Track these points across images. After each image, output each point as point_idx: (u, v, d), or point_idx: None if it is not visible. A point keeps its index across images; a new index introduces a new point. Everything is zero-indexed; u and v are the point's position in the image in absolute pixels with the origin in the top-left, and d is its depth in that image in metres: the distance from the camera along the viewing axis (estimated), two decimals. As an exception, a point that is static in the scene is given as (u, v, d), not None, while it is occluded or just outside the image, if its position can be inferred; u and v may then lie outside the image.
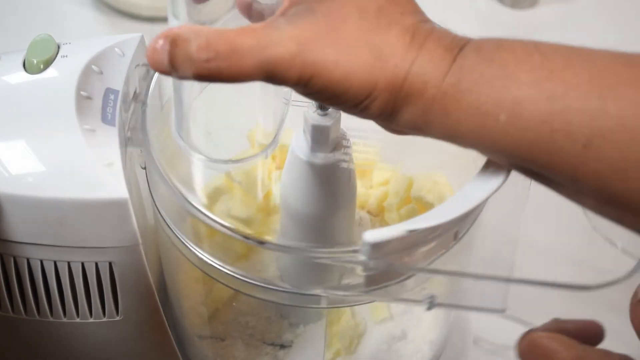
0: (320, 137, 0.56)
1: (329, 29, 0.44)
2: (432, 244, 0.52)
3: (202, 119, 0.59)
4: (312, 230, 0.59)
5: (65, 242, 0.60)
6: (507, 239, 0.55)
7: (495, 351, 0.80)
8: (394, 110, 0.46)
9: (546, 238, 0.81)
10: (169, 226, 0.60)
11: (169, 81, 0.60)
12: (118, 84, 0.62)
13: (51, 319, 0.64)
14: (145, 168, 0.61)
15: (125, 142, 0.60)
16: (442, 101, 0.44)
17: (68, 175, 0.58)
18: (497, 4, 1.11)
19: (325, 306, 0.59)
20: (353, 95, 0.45)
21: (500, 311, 0.51)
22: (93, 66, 0.62)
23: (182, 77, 0.44)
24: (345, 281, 0.57)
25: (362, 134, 0.58)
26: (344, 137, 0.57)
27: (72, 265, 0.61)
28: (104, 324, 0.65)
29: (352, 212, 0.62)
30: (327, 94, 0.45)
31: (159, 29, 1.04)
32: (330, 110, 0.55)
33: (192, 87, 0.55)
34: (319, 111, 0.55)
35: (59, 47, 0.63)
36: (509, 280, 0.50)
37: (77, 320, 0.65)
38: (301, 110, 0.57)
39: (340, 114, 0.56)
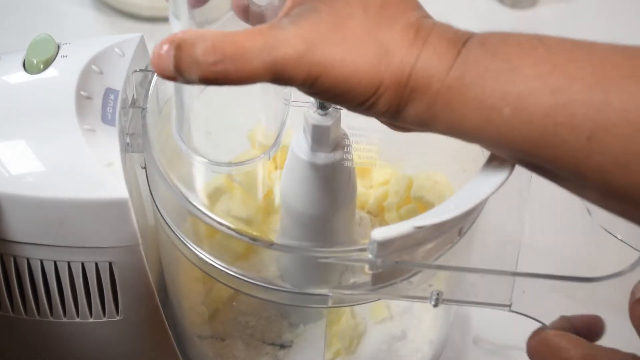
0: (321, 137, 0.56)
1: (334, 27, 0.44)
2: (438, 241, 0.52)
3: (202, 120, 0.59)
4: (313, 230, 0.59)
5: (65, 242, 0.60)
6: (511, 234, 0.55)
7: (495, 351, 0.80)
8: (399, 106, 0.46)
9: (546, 237, 0.81)
10: (169, 226, 0.60)
11: (167, 84, 0.61)
12: (118, 84, 0.62)
13: (51, 318, 0.65)
14: (145, 168, 0.61)
15: (125, 148, 0.60)
16: (447, 95, 0.44)
17: (68, 175, 0.58)
18: (497, 4, 1.11)
19: (325, 306, 0.59)
20: (360, 92, 0.45)
21: (506, 306, 0.51)
22: (93, 66, 0.62)
23: (189, 82, 0.44)
24: (352, 280, 0.57)
25: (362, 133, 0.58)
26: (344, 136, 0.57)
27: (72, 265, 0.61)
28: (104, 324, 0.65)
29: (353, 211, 0.62)
30: (334, 92, 0.45)
31: (159, 29, 1.05)
32: (331, 110, 0.55)
33: (192, 89, 0.55)
34: (319, 111, 0.55)
35: (59, 47, 0.63)
36: (514, 274, 0.50)
37: (77, 320, 0.65)
38: (301, 110, 0.57)
39: (341, 114, 0.56)
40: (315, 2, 0.45)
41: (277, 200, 0.64)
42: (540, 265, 0.52)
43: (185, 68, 0.43)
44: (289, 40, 0.43)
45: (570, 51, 0.44)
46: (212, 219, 0.56)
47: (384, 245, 0.48)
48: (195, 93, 0.56)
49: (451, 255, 0.55)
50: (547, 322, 0.53)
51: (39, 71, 0.61)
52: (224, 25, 0.55)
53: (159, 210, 0.60)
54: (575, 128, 0.43)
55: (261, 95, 0.57)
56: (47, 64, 0.61)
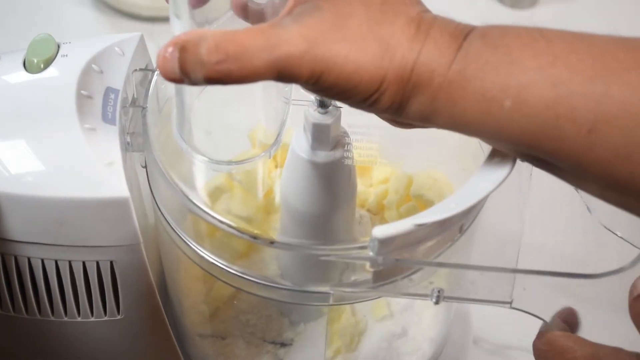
0: (321, 135, 0.56)
1: (336, 25, 0.44)
2: (439, 238, 0.52)
3: (203, 120, 0.59)
4: (313, 228, 0.60)
5: (66, 241, 0.60)
6: (511, 231, 0.55)
7: (495, 351, 0.81)
8: (402, 101, 0.46)
9: (546, 234, 0.81)
10: (169, 224, 0.60)
11: (167, 84, 0.61)
12: (118, 83, 0.62)
13: (52, 318, 0.65)
14: (145, 167, 0.61)
15: (125, 147, 0.60)
16: (448, 89, 0.45)
17: (69, 175, 0.58)
18: (497, 4, 1.11)
19: (326, 304, 0.59)
20: (363, 89, 0.45)
21: (507, 303, 0.51)
22: (93, 65, 0.62)
23: (194, 83, 0.44)
24: (353, 278, 0.57)
25: (362, 132, 0.58)
26: (344, 135, 0.57)
27: (73, 264, 0.61)
28: (105, 323, 0.65)
29: (353, 210, 0.62)
30: (338, 89, 0.45)
31: (158, 28, 1.05)
32: (331, 108, 0.55)
33: (193, 88, 0.55)
34: (319, 109, 0.55)
35: (59, 47, 0.63)
36: (514, 271, 0.50)
37: (78, 319, 0.65)
38: (301, 109, 0.57)
39: (341, 112, 0.56)
40: (317, 1, 0.45)
41: (278, 199, 0.64)
42: (540, 263, 0.52)
43: (190, 69, 0.43)
44: (291, 39, 0.44)
45: (571, 43, 0.44)
46: (213, 217, 0.56)
47: (384, 242, 0.48)
48: (195, 93, 0.57)
49: (452, 252, 0.55)
50: (548, 320, 0.53)
51: (39, 70, 0.61)
52: (224, 25, 0.55)
53: (159, 209, 0.60)
54: (576, 120, 0.43)
55: (262, 94, 0.57)
56: (48, 63, 0.61)
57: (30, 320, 0.65)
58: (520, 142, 0.45)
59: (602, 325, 0.51)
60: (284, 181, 0.60)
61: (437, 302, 0.52)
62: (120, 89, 0.62)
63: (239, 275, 0.58)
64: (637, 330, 0.48)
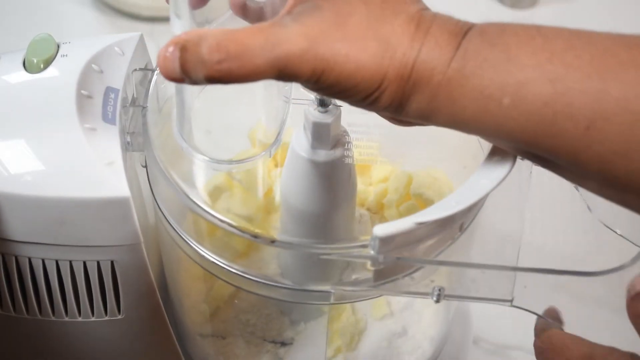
0: (321, 134, 0.56)
1: (337, 24, 0.45)
2: (439, 237, 0.52)
3: (203, 119, 0.59)
4: (313, 227, 0.60)
5: (67, 241, 0.60)
6: (512, 229, 0.55)
7: (495, 351, 0.81)
8: (402, 100, 0.46)
9: (546, 232, 0.81)
10: (170, 224, 0.60)
11: (167, 83, 0.61)
12: (118, 83, 0.63)
13: (53, 318, 0.65)
14: (145, 166, 0.61)
15: (125, 147, 0.60)
16: (448, 87, 0.45)
17: (69, 174, 0.58)
18: (497, 4, 1.11)
19: (326, 302, 0.59)
20: (364, 87, 0.45)
21: (507, 301, 0.51)
22: (93, 65, 0.62)
23: (195, 82, 0.44)
24: (354, 276, 0.57)
25: (362, 130, 0.58)
26: (344, 134, 0.58)
27: (73, 264, 0.61)
28: (105, 323, 0.65)
29: (353, 209, 0.62)
30: (339, 88, 0.45)
31: (158, 28, 1.05)
32: (331, 107, 0.55)
33: (193, 88, 0.55)
34: (319, 108, 0.55)
35: (58, 47, 0.63)
36: (515, 269, 0.50)
37: (79, 319, 0.65)
38: (301, 108, 0.57)
39: (341, 111, 0.56)
40: (317, 0, 0.45)
41: (278, 198, 0.64)
42: (540, 261, 0.52)
43: (191, 68, 0.43)
44: (292, 38, 0.44)
45: (568, 40, 0.44)
46: (213, 216, 0.56)
47: (385, 241, 0.48)
48: (195, 92, 0.57)
49: (452, 251, 0.55)
50: (547, 319, 0.53)
51: (39, 70, 0.61)
52: (223, 24, 0.55)
53: (160, 209, 0.60)
54: (574, 117, 0.43)
55: (263, 94, 0.57)
56: (47, 63, 0.62)
57: (31, 320, 0.65)
58: (518, 140, 0.45)
59: (602, 323, 0.51)
60: (284, 180, 0.60)
61: (437, 301, 0.53)
62: (120, 89, 0.62)
63: (239, 274, 0.58)
64: (635, 329, 0.48)
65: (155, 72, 0.62)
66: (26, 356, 0.69)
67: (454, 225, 0.53)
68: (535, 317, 0.54)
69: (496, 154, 0.51)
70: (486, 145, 0.52)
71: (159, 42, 0.98)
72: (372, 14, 0.45)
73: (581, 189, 0.49)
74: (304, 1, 0.46)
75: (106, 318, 0.65)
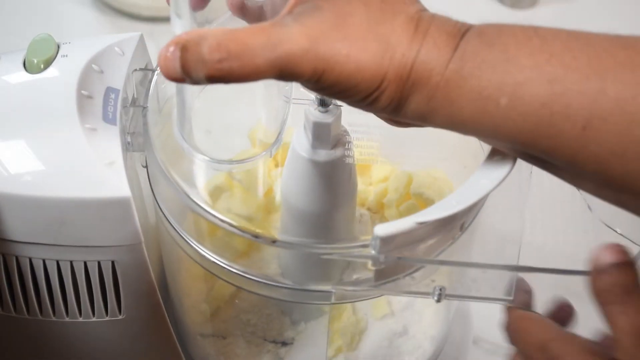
0: (322, 134, 0.56)
1: (337, 24, 0.45)
2: (440, 236, 0.52)
3: (203, 119, 0.59)
4: (313, 227, 0.60)
5: (68, 242, 0.60)
6: (512, 229, 0.55)
7: (495, 351, 0.81)
8: (400, 100, 0.46)
9: (546, 232, 0.81)
10: (170, 224, 0.60)
11: (168, 83, 0.61)
12: (118, 83, 0.63)
13: (54, 318, 0.65)
14: (146, 166, 0.61)
15: (126, 147, 0.60)
16: (446, 88, 0.45)
17: (70, 175, 0.59)
18: (497, 4, 1.12)
19: (327, 302, 0.59)
20: (364, 87, 0.45)
21: (508, 301, 0.51)
22: (93, 65, 0.62)
23: (195, 82, 0.44)
24: (354, 276, 0.57)
25: (363, 130, 0.58)
26: (345, 133, 0.58)
27: (74, 264, 0.61)
28: (106, 323, 0.65)
29: (353, 208, 0.62)
30: (339, 87, 0.45)
31: (158, 28, 1.05)
32: (331, 107, 0.56)
33: (193, 88, 0.55)
34: (320, 108, 0.55)
35: (58, 47, 0.63)
36: (516, 268, 0.50)
37: (80, 319, 0.65)
38: (301, 108, 0.57)
39: (341, 111, 0.56)
40: (317, 1, 0.45)
41: (278, 198, 0.64)
42: (541, 261, 0.52)
43: (192, 68, 0.43)
44: (292, 37, 0.44)
45: (566, 41, 0.44)
46: (214, 216, 0.56)
47: (386, 241, 0.48)
48: (196, 92, 0.57)
49: (452, 251, 0.55)
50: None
51: (40, 71, 0.61)
52: (223, 24, 0.55)
53: (160, 209, 0.60)
54: (571, 117, 0.43)
55: (263, 94, 0.57)
56: (48, 63, 0.62)
57: (32, 320, 0.65)
58: (516, 141, 0.45)
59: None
60: (285, 180, 0.60)
61: (438, 300, 0.53)
62: (120, 89, 0.62)
63: (239, 274, 0.58)
64: (598, 309, 0.47)
65: (156, 72, 0.62)
66: (27, 356, 0.69)
67: (455, 225, 0.53)
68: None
69: (496, 153, 0.51)
70: (486, 145, 0.52)
71: (159, 42, 0.97)
72: (372, 15, 0.45)
73: (581, 189, 0.49)
74: (304, 1, 0.46)
75: (107, 318, 0.65)
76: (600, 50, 0.43)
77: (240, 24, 0.54)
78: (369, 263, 0.50)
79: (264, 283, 0.58)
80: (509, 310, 0.51)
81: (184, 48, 0.43)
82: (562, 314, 0.53)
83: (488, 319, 0.78)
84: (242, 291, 0.66)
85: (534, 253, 0.57)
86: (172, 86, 0.59)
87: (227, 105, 0.61)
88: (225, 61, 0.43)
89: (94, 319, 0.65)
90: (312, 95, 0.55)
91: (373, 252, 0.49)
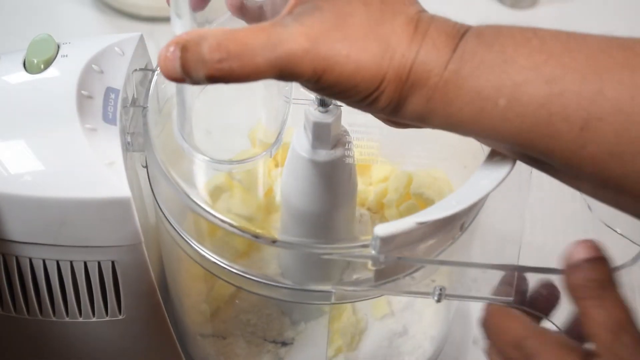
0: (322, 134, 0.56)
1: (337, 24, 0.45)
2: (440, 236, 0.52)
3: (203, 119, 0.59)
4: (314, 227, 0.60)
5: (68, 242, 0.60)
6: (512, 229, 0.55)
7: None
8: (399, 101, 0.46)
9: (547, 232, 0.81)
10: (170, 224, 0.60)
11: (168, 83, 0.61)
12: (118, 83, 0.63)
13: (54, 318, 0.65)
14: (146, 167, 0.61)
15: (126, 147, 0.60)
16: (444, 89, 0.45)
17: (70, 175, 0.59)
18: (497, 4, 1.11)
19: (327, 302, 0.59)
20: (363, 88, 0.45)
21: (509, 301, 0.51)
22: (93, 65, 0.62)
23: (195, 82, 0.44)
24: (354, 276, 0.57)
25: (363, 130, 0.58)
26: (345, 133, 0.58)
27: (74, 264, 0.61)
28: (106, 323, 0.65)
29: (353, 208, 0.62)
30: (339, 88, 0.45)
31: (158, 28, 1.05)
32: (332, 107, 0.56)
33: (193, 88, 0.55)
34: (320, 108, 0.55)
35: (58, 47, 0.63)
36: (517, 268, 0.50)
37: (80, 319, 0.65)
38: (301, 108, 0.57)
39: (341, 111, 0.56)
40: (317, 1, 0.45)
41: (278, 198, 0.64)
42: (540, 261, 0.52)
43: (192, 68, 0.43)
44: (292, 37, 0.44)
45: (565, 42, 0.44)
46: (214, 216, 0.56)
47: (386, 241, 0.48)
48: (196, 92, 0.57)
49: (452, 251, 0.55)
50: (549, 317, 0.53)
51: (40, 71, 0.61)
52: (223, 24, 0.55)
53: (160, 209, 0.60)
54: (569, 118, 0.43)
55: (263, 94, 0.57)
56: (48, 63, 0.62)
57: (32, 320, 0.65)
58: (514, 141, 0.45)
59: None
60: (285, 180, 0.60)
61: (439, 300, 0.53)
62: (120, 89, 0.62)
63: (239, 274, 0.58)
64: (574, 305, 0.47)
65: (156, 72, 0.62)
66: (27, 356, 0.69)
67: (455, 225, 0.53)
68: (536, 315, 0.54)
69: (497, 154, 0.51)
70: (486, 146, 0.52)
71: (159, 42, 0.97)
72: (372, 15, 0.45)
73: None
74: (304, 2, 0.46)
75: (107, 318, 0.65)
76: (598, 51, 0.43)
77: (240, 24, 0.54)
78: (369, 263, 0.50)
79: (264, 283, 0.58)
80: (486, 305, 0.51)
81: (184, 48, 0.43)
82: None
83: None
84: (242, 291, 0.66)
85: (534, 253, 0.57)
86: (172, 86, 0.59)
87: (227, 106, 0.61)
88: (225, 61, 0.43)
89: (94, 319, 0.65)
90: (312, 96, 0.55)
91: (373, 252, 0.49)
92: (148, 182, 0.62)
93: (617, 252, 0.52)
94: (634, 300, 0.52)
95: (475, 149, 0.57)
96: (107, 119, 0.60)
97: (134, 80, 0.63)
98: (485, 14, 1.08)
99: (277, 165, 0.67)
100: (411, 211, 0.64)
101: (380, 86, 0.45)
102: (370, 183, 0.69)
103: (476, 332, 0.79)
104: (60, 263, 0.61)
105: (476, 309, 0.78)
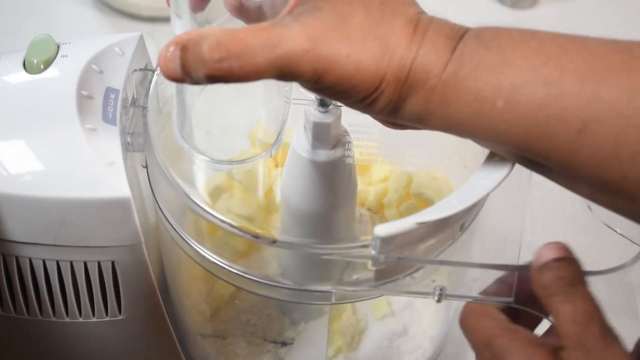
0: (322, 134, 0.56)
1: (337, 24, 0.45)
2: (440, 236, 0.52)
3: (203, 119, 0.59)
4: (313, 227, 0.60)
5: (68, 242, 0.60)
6: (512, 229, 0.55)
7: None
8: (398, 102, 0.46)
9: (547, 232, 0.81)
10: (170, 224, 0.60)
11: (167, 83, 0.61)
12: (118, 83, 0.63)
13: (54, 318, 0.65)
14: (146, 167, 0.61)
15: (126, 147, 0.60)
16: (443, 90, 0.45)
17: (70, 175, 0.59)
18: (497, 4, 1.11)
19: (327, 302, 0.59)
20: (363, 88, 0.45)
21: (509, 301, 0.51)
22: (93, 65, 0.62)
23: (195, 82, 0.44)
24: (355, 276, 0.57)
25: (363, 130, 0.58)
26: (345, 133, 0.58)
27: (74, 264, 0.61)
28: (106, 323, 0.65)
29: (353, 208, 0.62)
30: (339, 88, 0.45)
31: (158, 28, 1.05)
32: (331, 107, 0.56)
33: (193, 88, 0.55)
34: (320, 108, 0.55)
35: (58, 47, 0.63)
36: (517, 268, 0.50)
37: (80, 319, 0.65)
38: (301, 108, 0.57)
39: (341, 111, 0.56)
40: (317, 2, 0.45)
41: (278, 198, 0.64)
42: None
43: (191, 68, 0.43)
44: (293, 37, 0.44)
45: (563, 44, 0.44)
46: (214, 216, 0.56)
47: (386, 241, 0.48)
48: (196, 92, 0.57)
49: (452, 251, 0.55)
50: (549, 317, 0.53)
51: (40, 71, 0.61)
52: (223, 24, 0.55)
53: (160, 209, 0.60)
54: (567, 120, 0.43)
55: (264, 94, 0.57)
56: (48, 63, 0.62)
57: (32, 320, 0.65)
58: (511, 143, 0.45)
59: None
60: (285, 180, 0.60)
61: (439, 300, 0.53)
62: (120, 89, 0.62)
63: (239, 275, 0.58)
64: (541, 300, 0.48)
65: (156, 73, 0.62)
66: (27, 356, 0.69)
67: (455, 225, 0.53)
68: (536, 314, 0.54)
69: (496, 154, 0.51)
70: (486, 146, 0.52)
71: (159, 42, 0.97)
72: (372, 16, 0.45)
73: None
74: (304, 2, 0.46)
75: (107, 318, 0.65)
76: (596, 53, 0.44)
77: (240, 24, 0.54)
78: (369, 263, 0.50)
79: (264, 283, 0.58)
80: (464, 305, 0.51)
81: (184, 48, 0.43)
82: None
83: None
84: (242, 291, 0.66)
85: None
86: (172, 86, 0.59)
87: (227, 106, 0.61)
88: (225, 60, 0.43)
89: (94, 319, 0.65)
90: (312, 96, 0.55)
91: (373, 252, 0.49)
92: (148, 182, 0.62)
93: (617, 252, 0.52)
94: (634, 300, 0.52)
95: (475, 149, 0.57)
96: (107, 119, 0.60)
97: (133, 81, 0.63)
98: (485, 14, 1.08)
99: (277, 165, 0.67)
100: (411, 211, 0.64)
101: (379, 87, 0.45)
102: (370, 183, 0.69)
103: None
104: (60, 263, 0.61)
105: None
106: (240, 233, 0.55)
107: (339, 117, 0.56)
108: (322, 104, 0.55)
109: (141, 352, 0.69)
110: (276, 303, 0.69)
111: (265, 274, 0.58)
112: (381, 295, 0.64)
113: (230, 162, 0.59)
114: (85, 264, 0.61)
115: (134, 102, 0.63)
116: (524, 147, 0.45)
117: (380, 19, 0.45)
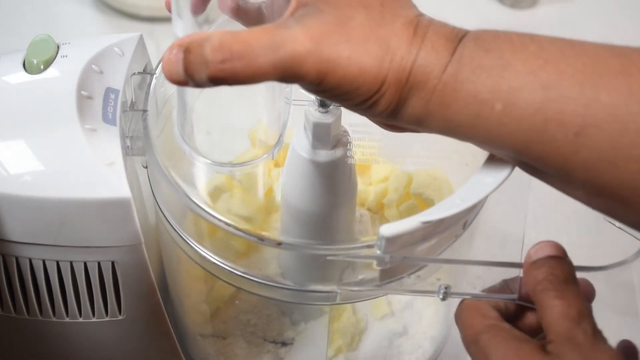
0: (322, 135, 0.56)
1: (339, 26, 0.45)
2: (444, 235, 0.52)
3: (203, 121, 0.59)
4: (314, 227, 0.60)
5: (68, 242, 0.60)
6: (514, 226, 0.56)
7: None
8: (398, 104, 0.46)
9: (549, 228, 0.81)
10: (170, 224, 0.60)
11: (167, 86, 0.61)
12: (118, 84, 0.63)
13: (54, 319, 0.65)
14: (146, 167, 0.61)
15: (125, 151, 0.60)
16: (442, 92, 0.45)
17: (70, 175, 0.59)
18: (497, 4, 1.11)
19: (327, 303, 0.59)
20: (365, 90, 0.45)
21: (513, 298, 0.51)
22: (93, 66, 0.62)
23: (198, 85, 0.44)
24: (360, 276, 0.57)
25: (363, 130, 0.58)
26: (345, 134, 0.58)
27: (74, 265, 0.62)
28: (106, 324, 0.65)
29: (353, 208, 0.62)
30: (341, 90, 0.45)
31: (158, 28, 1.05)
32: (332, 107, 0.56)
33: (194, 89, 0.55)
34: (320, 109, 0.55)
35: (58, 47, 0.63)
36: (522, 265, 0.50)
37: (80, 320, 0.65)
38: (302, 109, 0.57)
39: (341, 111, 0.56)
40: (319, 4, 0.45)
41: (278, 198, 0.64)
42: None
43: (195, 70, 0.43)
44: (296, 39, 0.44)
45: (562, 48, 0.44)
46: (214, 217, 0.56)
47: (391, 241, 0.48)
48: (196, 93, 0.57)
49: (455, 248, 0.55)
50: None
51: (39, 71, 0.61)
52: (223, 25, 0.55)
53: (160, 209, 0.60)
54: (564, 123, 0.43)
55: (264, 96, 0.57)
56: (47, 64, 0.62)
57: (32, 321, 0.65)
58: (508, 146, 0.45)
59: (604, 320, 0.50)
60: (285, 180, 0.60)
61: (444, 299, 0.53)
62: (120, 90, 0.62)
63: (239, 275, 0.58)
64: (532, 297, 0.48)
65: (155, 76, 0.62)
66: (27, 356, 0.69)
67: (458, 223, 0.54)
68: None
69: (497, 153, 0.51)
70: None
71: (159, 43, 0.98)
72: (372, 17, 0.45)
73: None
74: (306, 5, 0.46)
75: (107, 319, 0.65)
76: (595, 58, 0.44)
77: (239, 26, 0.54)
78: (374, 263, 0.50)
79: (264, 284, 0.58)
80: (460, 301, 0.52)
81: (187, 50, 0.43)
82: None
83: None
84: (242, 292, 0.66)
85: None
86: (171, 88, 0.59)
87: (227, 106, 0.61)
88: (228, 61, 0.43)
89: (94, 320, 0.65)
90: (312, 96, 0.55)
91: (378, 252, 0.49)
92: (148, 182, 0.62)
93: (618, 248, 0.52)
94: (634, 299, 0.52)
95: (475, 148, 0.57)
96: (107, 119, 0.60)
97: (132, 84, 0.63)
98: (486, 14, 1.08)
99: (277, 166, 0.67)
100: (411, 211, 0.64)
101: (380, 89, 0.45)
102: (370, 183, 0.69)
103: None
104: (60, 263, 0.61)
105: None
106: (246, 235, 0.55)
107: (339, 118, 0.56)
108: (322, 105, 0.55)
109: (141, 352, 0.69)
110: (276, 303, 0.69)
111: (266, 274, 0.58)
112: (386, 295, 0.64)
113: (232, 164, 0.59)
114: (85, 264, 0.61)
115: (132, 105, 0.63)
116: (521, 151, 0.45)
117: (381, 21, 0.46)
